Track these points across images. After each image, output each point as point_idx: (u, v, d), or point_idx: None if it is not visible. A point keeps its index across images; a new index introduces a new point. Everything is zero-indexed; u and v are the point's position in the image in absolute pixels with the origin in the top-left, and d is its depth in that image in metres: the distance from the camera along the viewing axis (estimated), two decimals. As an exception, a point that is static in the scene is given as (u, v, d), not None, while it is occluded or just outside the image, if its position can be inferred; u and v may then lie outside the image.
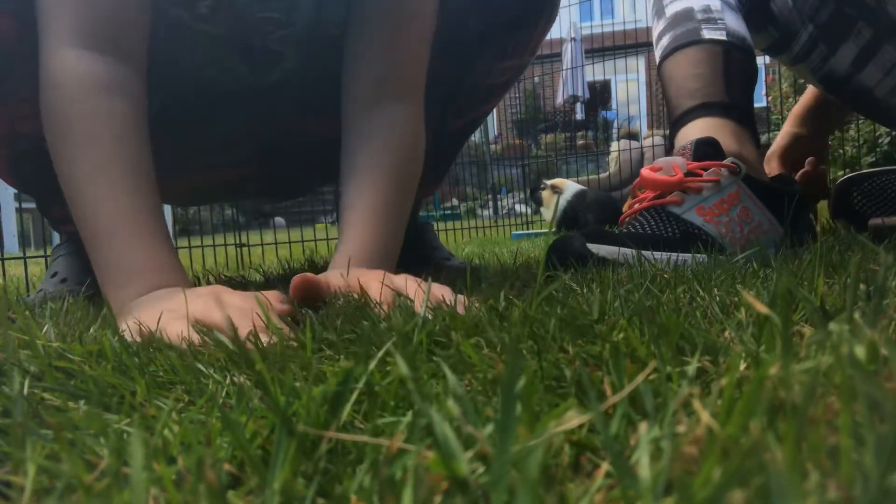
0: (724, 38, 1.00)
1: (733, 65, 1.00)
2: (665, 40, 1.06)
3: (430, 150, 1.06)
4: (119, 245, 0.58)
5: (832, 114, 1.40)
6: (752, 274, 0.53)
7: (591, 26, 9.36)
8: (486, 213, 5.85)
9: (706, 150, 0.88)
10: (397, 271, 0.64)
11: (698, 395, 0.23)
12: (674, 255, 0.77)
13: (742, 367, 0.27)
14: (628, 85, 8.23)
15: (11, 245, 4.02)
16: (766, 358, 0.27)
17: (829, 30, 1.11)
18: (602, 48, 5.85)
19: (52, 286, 1.03)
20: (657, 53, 1.10)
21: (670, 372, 0.27)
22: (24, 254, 1.26)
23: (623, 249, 0.77)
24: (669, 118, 1.05)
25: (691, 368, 0.27)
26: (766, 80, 5.07)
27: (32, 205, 1.03)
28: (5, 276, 1.19)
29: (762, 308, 0.28)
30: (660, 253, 0.77)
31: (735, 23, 1.03)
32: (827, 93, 1.24)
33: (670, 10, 1.07)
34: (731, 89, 0.98)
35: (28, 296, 1.04)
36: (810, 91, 1.41)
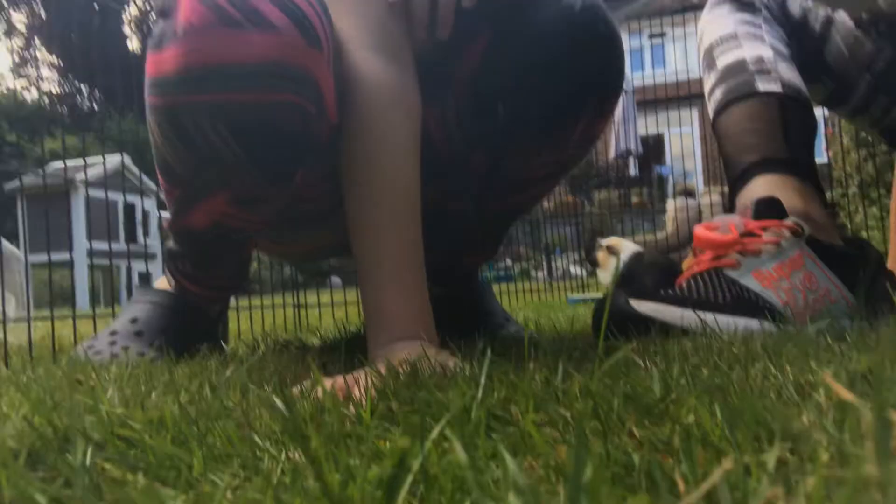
0: (779, 89, 0.98)
1: (791, 117, 0.97)
2: (718, 94, 1.04)
3: (474, 227, 1.04)
4: (394, 292, 0.66)
5: None
6: (825, 348, 0.50)
7: (643, 77, 9.39)
8: (540, 274, 5.80)
9: (767, 209, 0.85)
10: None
11: (783, 497, 0.21)
12: (718, 317, 0.75)
13: (825, 457, 0.26)
14: (682, 138, 8.17)
15: (82, 301, 4.16)
16: (853, 452, 0.25)
17: (888, 78, 1.08)
18: (654, 99, 5.84)
19: (125, 336, 0.93)
20: (710, 107, 1.08)
21: (748, 462, 0.25)
22: (94, 311, 1.30)
23: (660, 307, 0.75)
24: (728, 175, 1.02)
25: (771, 459, 0.25)
26: (825, 134, 4.95)
27: (105, 261, 1.04)
28: (76, 334, 1.23)
29: (846, 394, 0.26)
30: (703, 313, 0.75)
31: (789, 73, 1.01)
32: (894, 148, 1.20)
33: (721, 63, 1.05)
34: (791, 143, 0.95)
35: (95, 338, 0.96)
36: None
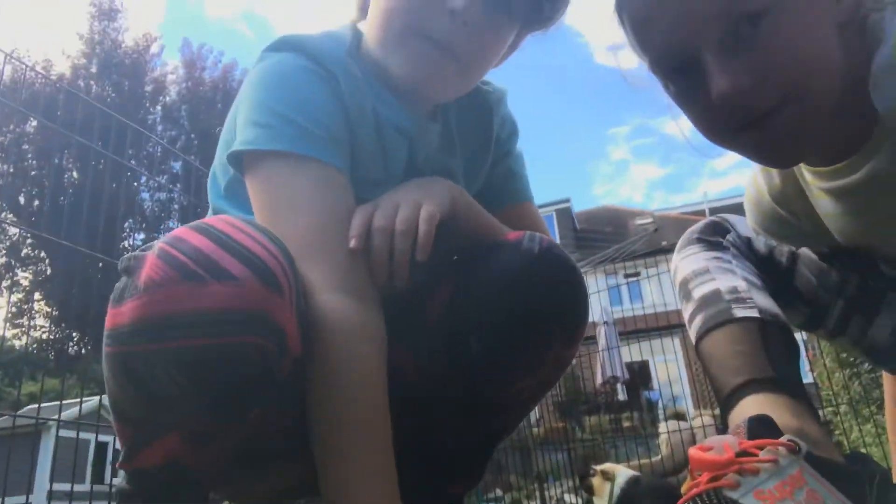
0: (756, 315, 0.99)
1: (772, 339, 0.98)
2: (698, 321, 1.05)
3: (456, 456, 1.00)
4: None
5: None
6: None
7: (623, 310, 9.67)
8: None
9: (761, 427, 0.83)
10: None
11: None
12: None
13: None
14: (668, 366, 8.22)
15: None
16: None
17: (860, 302, 1.10)
18: (636, 330, 5.98)
19: None
20: (692, 334, 1.09)
21: None
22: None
23: None
24: (717, 398, 1.01)
25: None
26: (807, 357, 5.02)
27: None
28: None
29: None
30: None
31: (764, 301, 1.03)
32: (878, 367, 1.20)
33: (697, 293, 1.07)
34: (776, 363, 0.95)
35: None
36: (887, 379, 1.31)
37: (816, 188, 0.95)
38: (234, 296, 0.63)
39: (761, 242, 1.16)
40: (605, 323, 8.44)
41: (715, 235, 1.14)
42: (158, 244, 0.67)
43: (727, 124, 0.79)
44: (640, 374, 10.70)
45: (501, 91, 1.08)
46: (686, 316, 1.10)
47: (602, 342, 8.48)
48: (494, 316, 0.87)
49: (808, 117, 0.76)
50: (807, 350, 4.92)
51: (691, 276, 1.10)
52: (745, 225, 1.18)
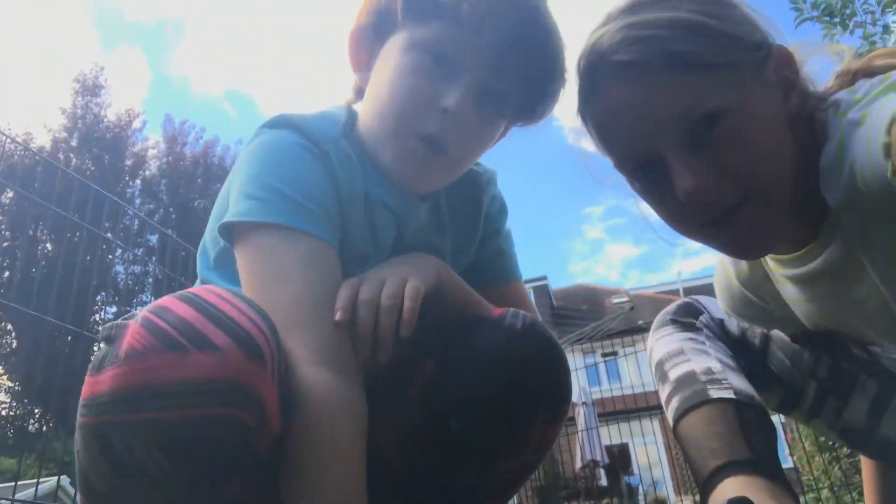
0: (732, 396, 0.99)
1: (748, 421, 0.97)
2: (675, 402, 1.05)
3: None
4: None
5: None
6: None
7: (601, 391, 9.59)
8: None
9: (742, 511, 0.81)
10: None
11: None
12: None
13: None
14: (647, 448, 8.10)
15: None
16: None
17: (833, 383, 1.10)
18: (615, 411, 5.92)
19: None
20: (669, 415, 1.08)
21: None
22: None
23: None
24: (696, 481, 0.99)
25: None
26: (786, 440, 4.98)
27: None
28: None
29: None
30: None
31: (739, 382, 1.03)
32: (854, 450, 1.18)
33: (673, 375, 1.08)
34: (753, 445, 0.95)
35: None
36: (866, 464, 1.29)
37: (780, 275, 0.97)
38: (216, 366, 0.61)
39: (734, 324, 1.17)
40: (584, 403, 8.36)
41: (688, 317, 1.16)
42: (142, 312, 0.65)
43: (693, 220, 0.82)
44: (619, 458, 10.51)
45: (492, 172, 1.11)
46: (663, 397, 1.10)
47: (581, 423, 8.36)
48: (477, 392, 0.86)
49: (770, 210, 0.80)
50: (785, 433, 4.89)
51: (666, 357, 1.11)
52: (717, 306, 1.19)
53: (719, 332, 1.15)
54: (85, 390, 0.65)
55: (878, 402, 1.08)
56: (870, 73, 0.86)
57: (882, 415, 1.07)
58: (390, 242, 0.96)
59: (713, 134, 0.77)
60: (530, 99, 0.97)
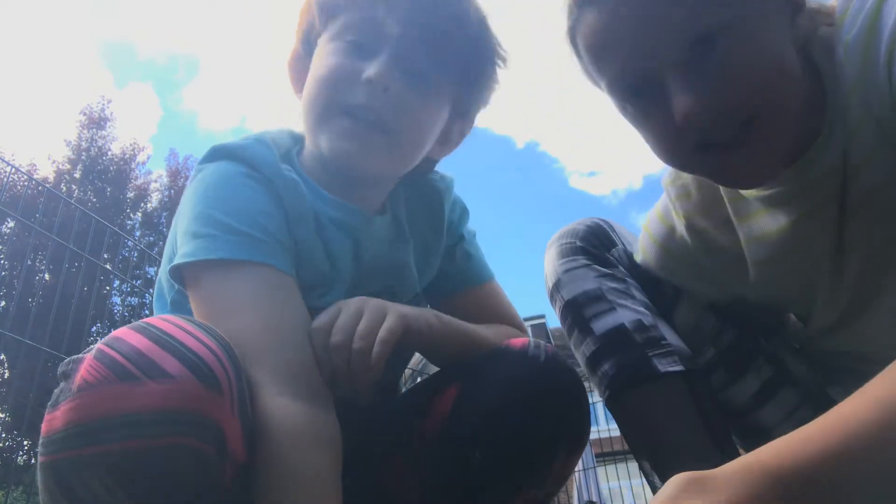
0: (680, 368, 0.95)
1: (700, 397, 0.95)
2: (607, 367, 0.98)
3: None
4: None
5: None
6: None
7: (598, 431, 9.44)
8: None
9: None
10: None
11: None
12: None
13: None
14: (645, 490, 7.96)
15: None
16: None
17: (731, 356, 1.05)
18: (612, 451, 5.83)
19: None
20: (594, 378, 1.01)
21: None
22: None
23: None
24: (647, 467, 0.97)
25: None
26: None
27: None
28: None
29: None
30: None
31: (673, 337, 0.99)
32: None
33: (598, 328, 1.00)
34: (715, 436, 0.93)
35: None
36: None
37: (758, 203, 0.90)
38: (169, 394, 0.60)
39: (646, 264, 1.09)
40: (581, 444, 8.21)
41: (600, 247, 1.08)
42: (97, 345, 0.64)
43: (689, 143, 0.77)
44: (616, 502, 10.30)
45: (450, 179, 1.10)
46: (582, 350, 1.02)
47: (578, 464, 8.21)
48: (501, 425, 0.85)
49: (775, 134, 0.75)
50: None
51: (584, 299, 1.03)
52: (626, 236, 1.13)
53: (631, 268, 1.08)
54: (42, 429, 0.64)
55: (767, 387, 1.04)
56: None
57: (766, 402, 1.04)
58: (349, 261, 0.94)
59: (715, 52, 0.71)
60: (463, 71, 0.95)
